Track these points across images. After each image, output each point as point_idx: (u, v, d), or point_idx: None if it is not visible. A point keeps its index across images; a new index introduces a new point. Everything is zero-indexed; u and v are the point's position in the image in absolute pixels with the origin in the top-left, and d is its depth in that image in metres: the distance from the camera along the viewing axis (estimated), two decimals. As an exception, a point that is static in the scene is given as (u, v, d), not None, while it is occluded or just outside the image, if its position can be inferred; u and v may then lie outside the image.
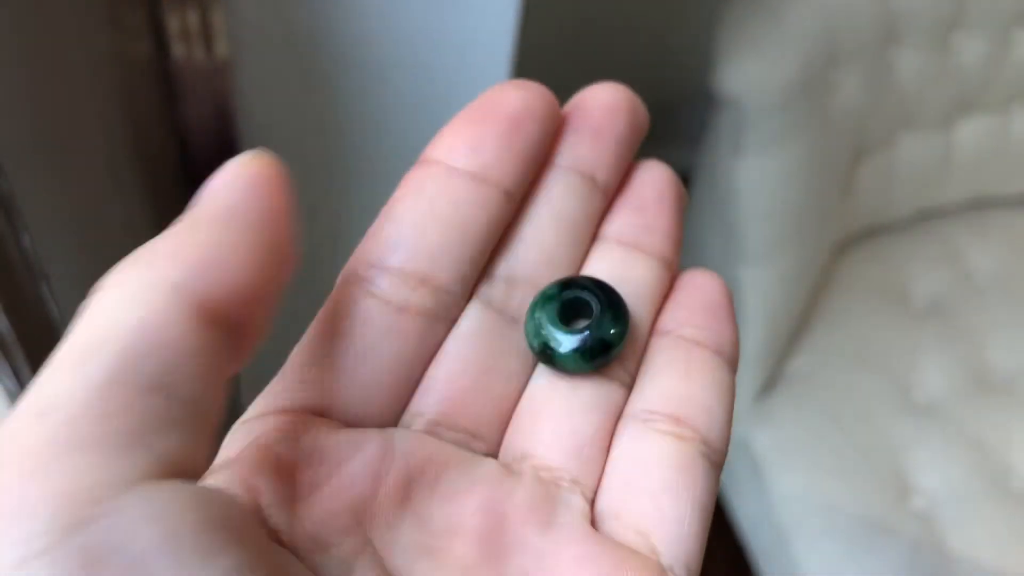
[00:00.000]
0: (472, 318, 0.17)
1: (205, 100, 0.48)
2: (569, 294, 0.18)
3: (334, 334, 0.16)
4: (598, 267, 0.19)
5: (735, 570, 0.72)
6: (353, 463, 0.15)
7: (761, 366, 0.67)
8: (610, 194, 0.20)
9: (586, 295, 0.18)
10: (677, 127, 0.88)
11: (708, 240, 0.66)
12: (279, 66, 0.46)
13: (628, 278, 0.19)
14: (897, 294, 0.74)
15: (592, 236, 0.19)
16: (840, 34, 0.63)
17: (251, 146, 0.49)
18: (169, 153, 0.50)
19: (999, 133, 0.77)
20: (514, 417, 0.17)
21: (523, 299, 0.18)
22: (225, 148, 0.51)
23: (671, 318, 0.19)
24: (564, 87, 0.21)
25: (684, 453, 0.17)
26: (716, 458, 0.17)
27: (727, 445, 0.17)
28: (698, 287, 0.19)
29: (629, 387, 0.18)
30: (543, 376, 0.18)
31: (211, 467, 0.15)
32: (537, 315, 0.18)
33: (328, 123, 0.47)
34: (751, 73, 0.59)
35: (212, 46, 0.46)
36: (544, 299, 0.18)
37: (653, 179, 0.20)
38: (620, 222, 0.19)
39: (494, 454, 0.17)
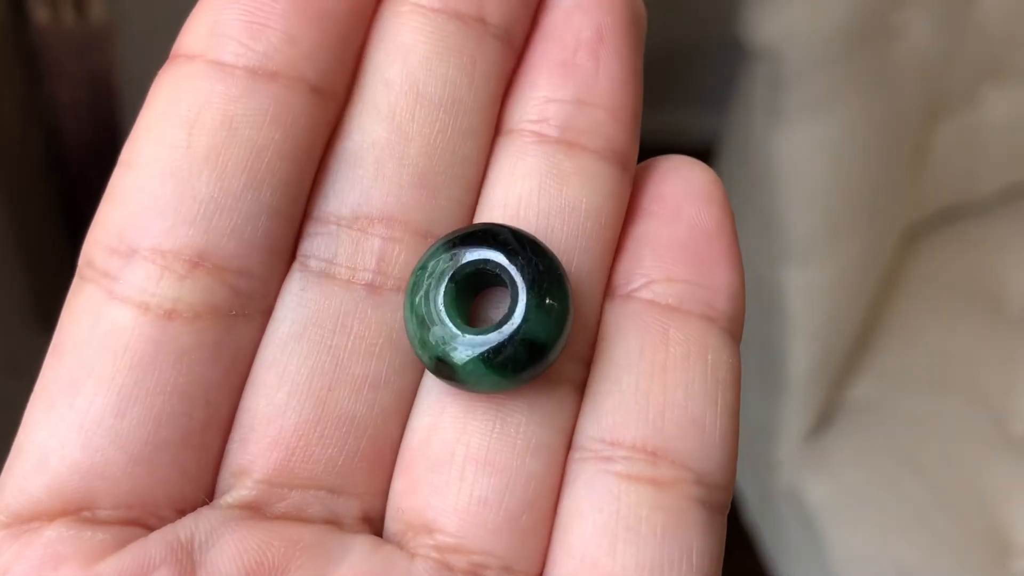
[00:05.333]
0: (297, 301, 0.13)
1: (77, 77, 0.45)
2: (469, 265, 0.13)
3: (70, 375, 0.12)
4: (508, 191, 0.14)
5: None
6: None
7: (813, 395, 0.63)
8: (519, 44, 0.14)
9: (496, 263, 0.13)
10: (697, 85, 0.85)
11: (739, 232, 0.59)
12: (171, 33, 0.44)
13: (555, 206, 0.14)
14: (987, 295, 0.69)
15: (495, 120, 0.14)
16: (904, -37, 0.60)
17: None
18: (31, 144, 0.47)
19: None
20: (404, 452, 0.13)
21: (384, 247, 0.13)
22: (103, 137, 0.47)
23: (630, 266, 0.14)
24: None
25: (666, 507, 0.13)
26: (717, 498, 0.13)
27: (733, 470, 0.13)
28: (665, 199, 0.14)
29: (584, 385, 0.14)
30: (442, 389, 0.13)
31: None
32: (418, 304, 0.13)
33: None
34: (791, 16, 0.56)
35: (85, 9, 0.42)
36: (428, 276, 0.13)
37: (581, 5, 0.14)
38: (534, 96, 0.14)
39: (377, 512, 0.13)
